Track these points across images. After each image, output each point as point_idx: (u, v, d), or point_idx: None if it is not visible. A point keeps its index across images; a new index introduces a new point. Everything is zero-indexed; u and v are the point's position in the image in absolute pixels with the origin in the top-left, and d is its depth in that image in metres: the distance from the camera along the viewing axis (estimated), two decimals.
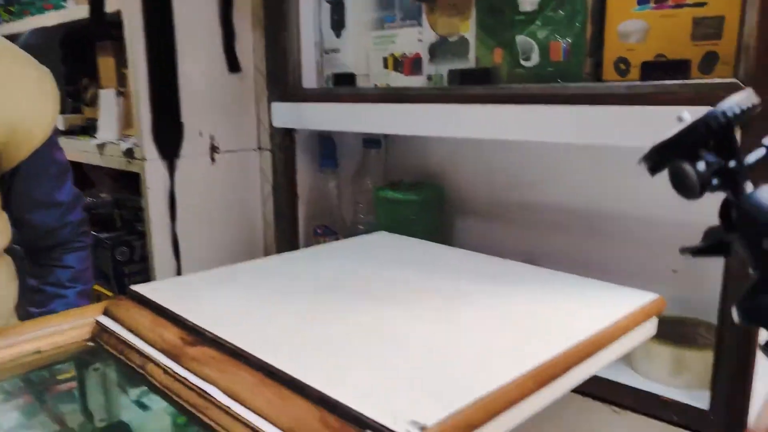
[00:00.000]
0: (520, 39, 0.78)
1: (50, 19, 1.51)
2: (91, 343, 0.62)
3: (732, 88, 0.60)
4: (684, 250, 0.31)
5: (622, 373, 0.84)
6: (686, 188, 0.28)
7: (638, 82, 0.66)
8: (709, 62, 0.64)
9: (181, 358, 0.53)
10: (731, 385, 0.71)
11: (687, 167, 0.27)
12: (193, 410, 0.47)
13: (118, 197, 1.62)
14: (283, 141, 1.18)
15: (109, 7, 1.11)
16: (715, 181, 0.28)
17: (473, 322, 0.63)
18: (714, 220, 0.68)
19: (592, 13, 0.73)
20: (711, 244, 0.30)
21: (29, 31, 1.67)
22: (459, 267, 0.83)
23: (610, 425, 0.83)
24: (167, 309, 0.59)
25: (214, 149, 1.20)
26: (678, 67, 0.63)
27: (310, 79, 1.15)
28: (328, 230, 1.21)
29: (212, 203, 1.22)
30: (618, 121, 0.66)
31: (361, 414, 0.44)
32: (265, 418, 0.45)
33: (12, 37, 1.79)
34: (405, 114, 0.91)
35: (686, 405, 0.76)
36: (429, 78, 0.95)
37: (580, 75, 0.75)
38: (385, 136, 1.22)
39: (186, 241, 1.17)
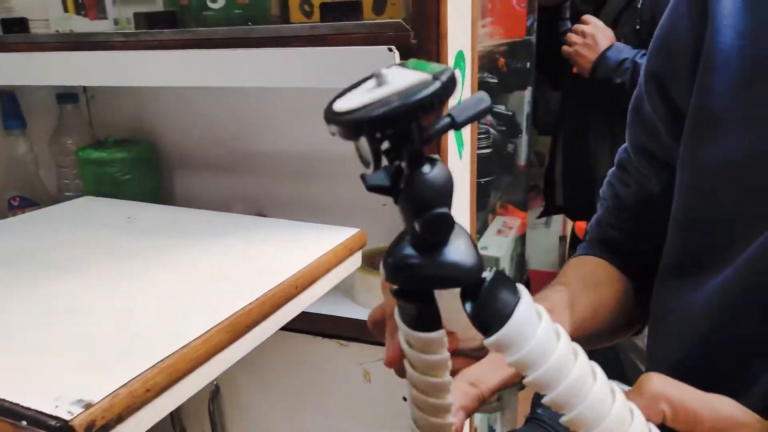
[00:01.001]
0: None
1: None
2: None
3: (397, 27, 0.64)
4: (362, 178, 0.28)
5: (344, 307, 0.88)
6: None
7: (319, 23, 0.67)
8: (380, 3, 0.67)
9: None
10: None
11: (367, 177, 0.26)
12: None
13: None
14: None
15: None
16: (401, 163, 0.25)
17: (169, 281, 0.60)
18: None
19: None
20: (387, 186, 0.27)
21: None
22: (168, 226, 0.79)
23: (337, 358, 0.88)
24: None
25: None
26: (351, 8, 0.65)
27: None
28: (27, 201, 1.06)
29: None
30: (301, 62, 0.66)
31: (15, 404, 0.39)
32: None
33: None
34: (91, 63, 0.82)
35: None
36: (115, 22, 0.86)
37: (267, 17, 0.73)
38: (84, 89, 1.09)
39: None
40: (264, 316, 0.56)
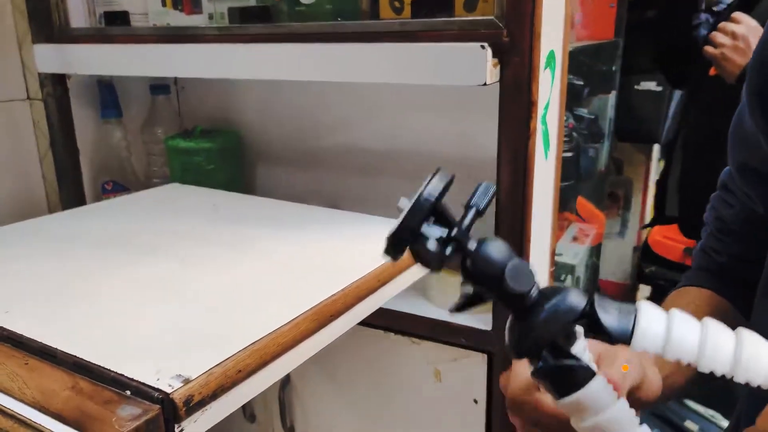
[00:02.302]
0: None
1: None
2: None
3: (489, 25, 0.63)
4: (450, 310, 0.35)
5: (419, 306, 0.88)
6: (429, 264, 0.32)
7: (409, 19, 0.67)
8: (472, 0, 0.66)
9: None
10: None
11: (422, 249, 0.31)
12: None
13: None
14: (55, 89, 1.05)
15: None
16: (449, 250, 0.32)
17: (256, 269, 0.61)
18: (490, 153, 0.72)
19: None
20: (467, 299, 0.34)
21: None
22: (251, 215, 0.81)
23: (409, 356, 0.88)
24: None
25: None
26: (443, 5, 0.65)
27: (79, 19, 1.02)
28: (119, 186, 1.11)
29: None
30: (392, 58, 0.66)
31: (120, 375, 0.41)
32: (7, 393, 0.40)
33: None
34: (186, 55, 0.85)
35: (473, 328, 0.82)
36: (210, 17, 0.89)
37: (357, 12, 0.74)
38: (175, 81, 1.14)
39: None
40: (348, 307, 0.57)
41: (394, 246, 0.32)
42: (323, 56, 0.72)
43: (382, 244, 0.33)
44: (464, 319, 0.83)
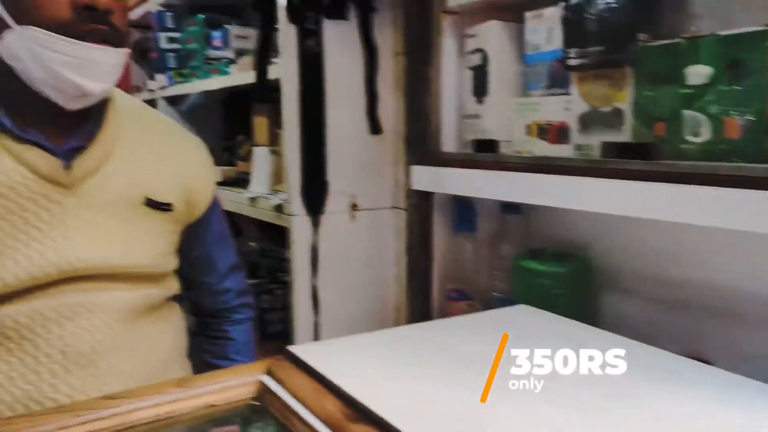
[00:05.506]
0: (688, 114, 0.74)
1: (215, 83, 1.66)
2: (255, 402, 0.65)
3: None
4: None
5: None
6: None
7: None
8: None
9: None
10: None
11: None
12: None
13: (263, 246, 1.71)
14: (420, 202, 1.19)
15: (271, 75, 1.20)
16: None
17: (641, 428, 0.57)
18: None
19: None
20: None
21: (197, 92, 1.86)
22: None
23: None
24: (325, 377, 0.61)
25: (354, 207, 1.24)
26: None
27: (449, 144, 1.16)
28: (463, 294, 1.19)
29: (350, 259, 1.26)
30: None
31: None
32: None
33: (181, 97, 2.00)
34: (550, 185, 0.89)
35: None
36: (578, 148, 0.92)
37: (758, 154, 0.68)
38: None
39: (323, 292, 1.21)
40: None
41: None
42: (709, 201, 0.68)
43: None
44: None
